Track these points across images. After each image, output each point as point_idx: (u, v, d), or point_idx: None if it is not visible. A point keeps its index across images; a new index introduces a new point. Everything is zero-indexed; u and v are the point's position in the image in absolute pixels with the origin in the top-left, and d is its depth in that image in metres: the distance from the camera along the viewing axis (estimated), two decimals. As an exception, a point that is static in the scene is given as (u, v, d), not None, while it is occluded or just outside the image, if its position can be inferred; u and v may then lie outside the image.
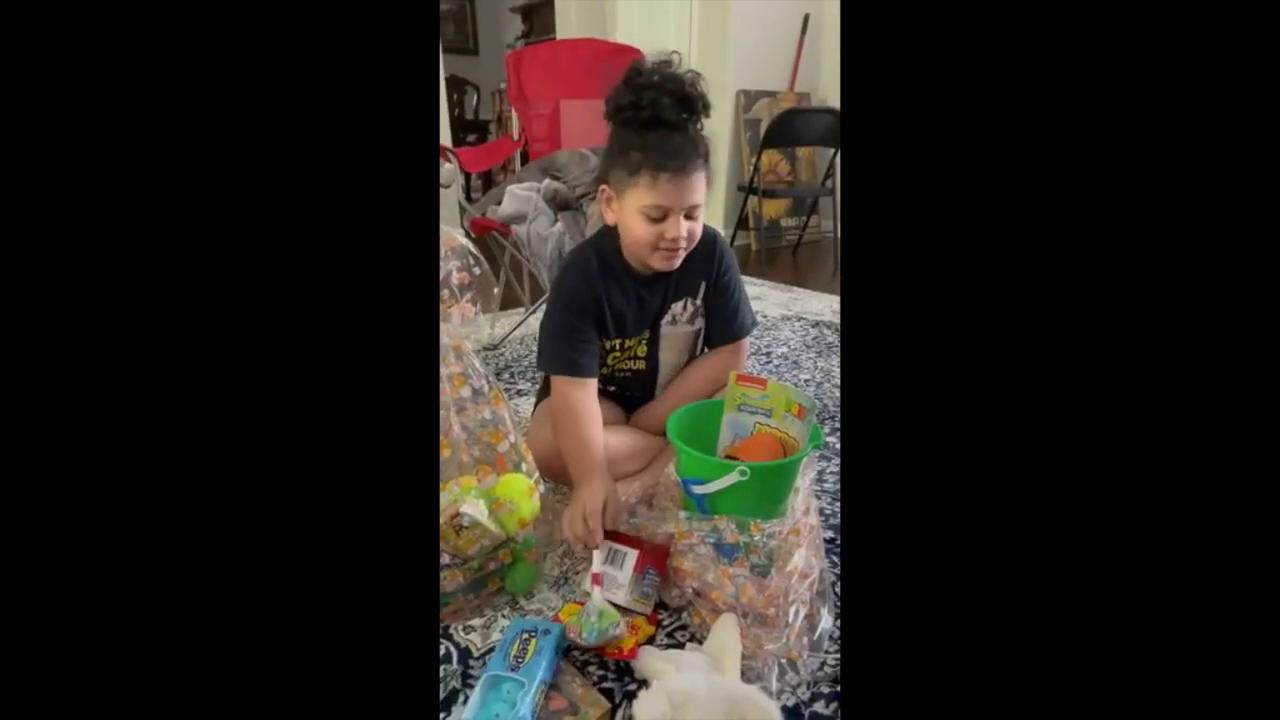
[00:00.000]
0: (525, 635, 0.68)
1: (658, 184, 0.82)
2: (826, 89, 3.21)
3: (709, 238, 0.97)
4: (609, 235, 0.94)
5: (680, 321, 1.00)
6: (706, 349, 1.06)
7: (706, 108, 0.85)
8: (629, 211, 0.87)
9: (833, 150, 2.81)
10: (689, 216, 0.86)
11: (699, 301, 0.99)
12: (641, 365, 1.01)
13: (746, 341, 1.05)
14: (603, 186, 0.90)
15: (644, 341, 1.00)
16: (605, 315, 0.93)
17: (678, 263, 0.90)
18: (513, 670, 0.64)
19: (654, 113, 0.82)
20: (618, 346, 0.99)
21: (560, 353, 0.92)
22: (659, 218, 0.85)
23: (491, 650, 0.71)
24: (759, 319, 1.96)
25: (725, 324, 1.01)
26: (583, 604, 0.74)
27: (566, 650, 0.71)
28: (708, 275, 0.98)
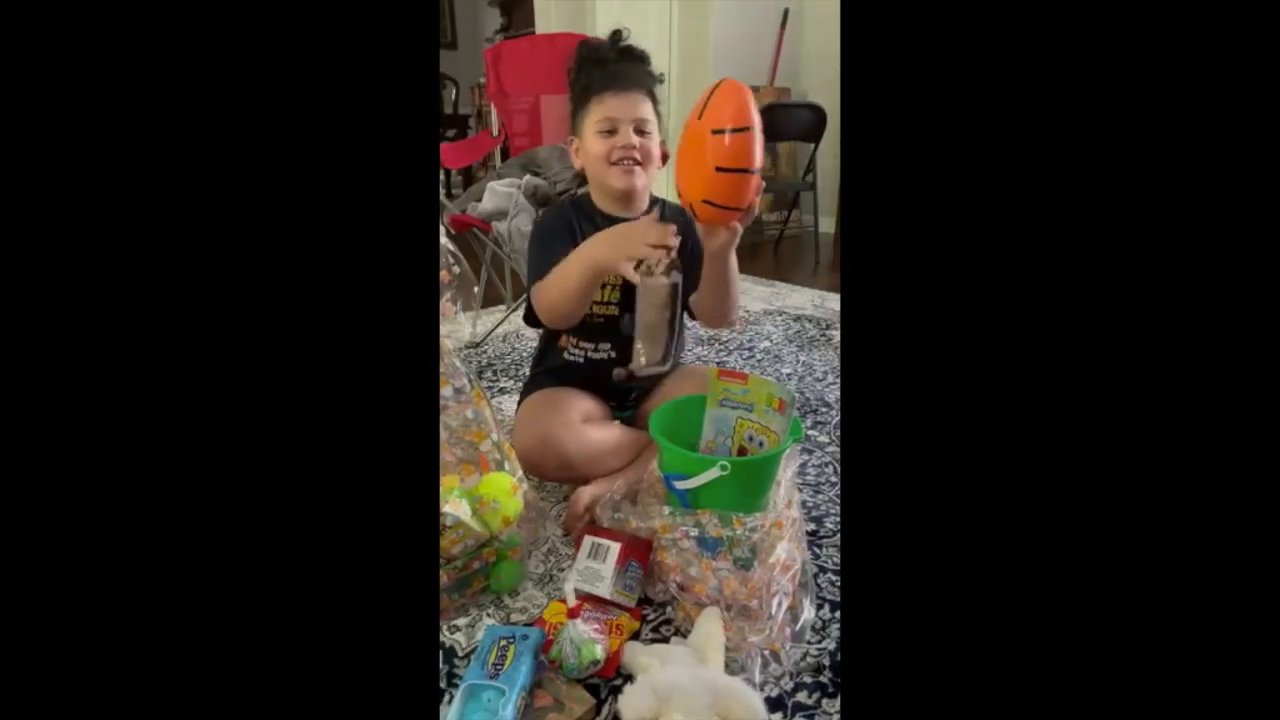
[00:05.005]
0: (503, 642, 0.67)
1: (604, 101, 0.95)
2: (806, 83, 3.23)
3: (687, 214, 1.04)
4: (585, 194, 1.06)
5: (656, 271, 1.01)
6: (688, 311, 1.06)
7: (644, 54, 1.01)
8: (588, 139, 0.98)
9: (813, 145, 2.82)
10: (640, 132, 0.96)
11: (673, 255, 1.02)
12: (614, 310, 1.02)
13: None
14: (571, 138, 1.02)
15: (616, 287, 1.03)
16: (578, 238, 0.98)
17: (637, 181, 0.97)
18: (491, 678, 0.63)
19: (596, 56, 0.98)
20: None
21: (542, 263, 0.97)
22: (611, 130, 0.96)
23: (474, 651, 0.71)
24: (741, 314, 1.98)
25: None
26: (564, 601, 0.75)
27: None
28: (685, 232, 1.01)
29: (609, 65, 0.98)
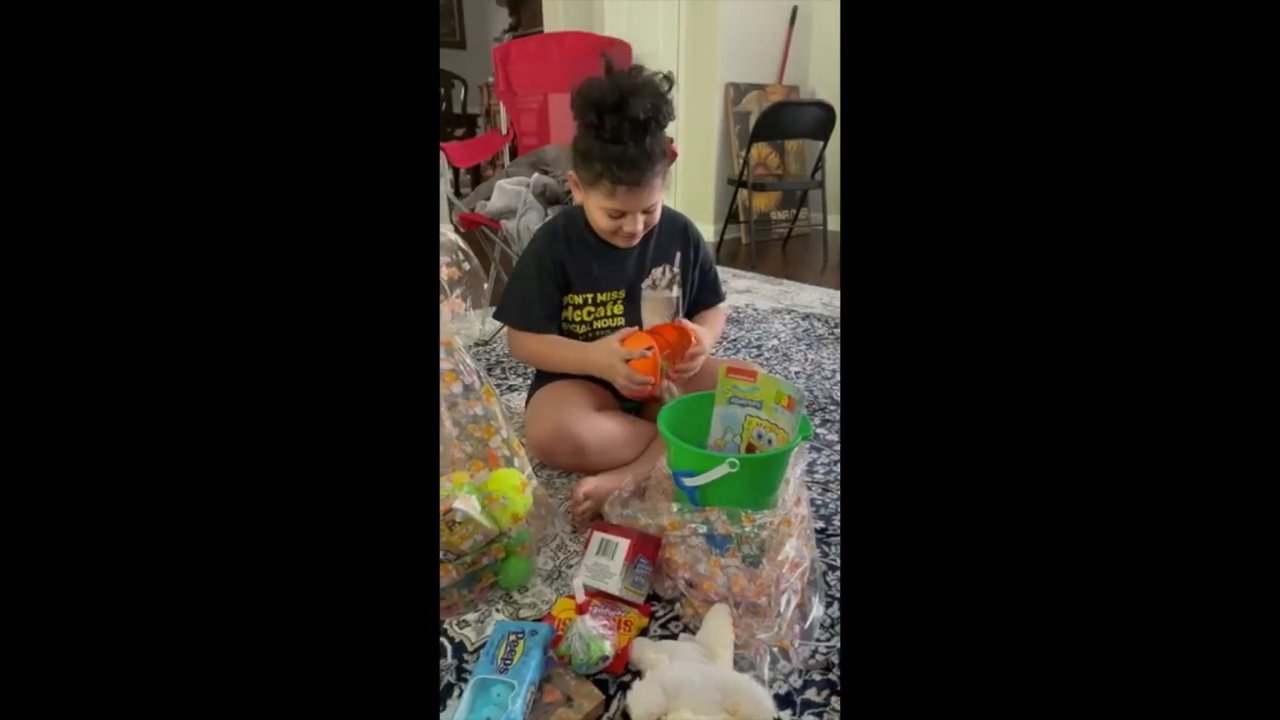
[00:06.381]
0: (512, 637, 0.67)
1: (615, 194, 0.93)
2: (815, 81, 3.21)
3: (680, 222, 1.11)
4: (581, 211, 1.05)
5: (660, 286, 1.09)
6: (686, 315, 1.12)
7: (669, 119, 0.93)
8: (592, 204, 0.99)
9: (821, 143, 2.81)
10: (645, 211, 0.97)
11: (675, 269, 1.09)
12: (621, 322, 1.08)
13: (725, 305, 1.22)
14: (570, 173, 1.00)
15: (620, 301, 1.07)
16: (568, 274, 1.03)
17: (635, 242, 1.02)
18: (501, 673, 0.64)
19: (612, 134, 0.90)
20: (590, 301, 1.05)
21: (517, 306, 1.05)
22: (619, 215, 0.96)
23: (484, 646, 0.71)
24: (750, 312, 1.98)
25: (708, 290, 1.16)
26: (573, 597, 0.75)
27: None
28: (683, 249, 1.10)
29: (624, 145, 0.89)
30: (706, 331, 1.04)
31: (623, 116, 0.88)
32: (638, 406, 1.11)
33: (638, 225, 0.97)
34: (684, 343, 0.98)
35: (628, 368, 0.94)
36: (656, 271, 1.07)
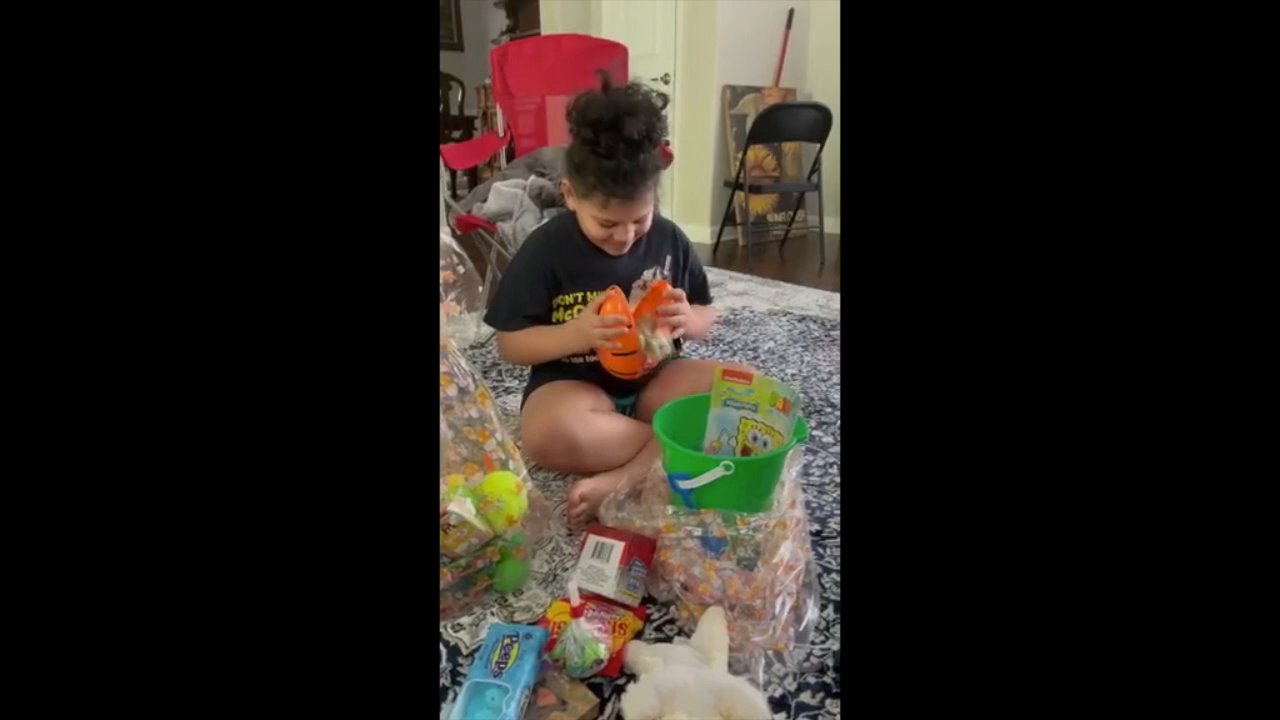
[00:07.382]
0: (506, 640, 0.67)
1: (608, 206, 0.95)
2: (812, 83, 3.22)
3: (669, 227, 1.13)
4: (573, 217, 1.06)
5: (650, 286, 1.10)
6: None
7: (663, 135, 0.95)
8: (585, 213, 1.01)
9: (818, 145, 2.82)
10: (636, 221, 0.99)
11: (667, 272, 1.11)
12: None
13: (718, 305, 1.27)
14: (564, 181, 1.01)
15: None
16: (558, 277, 1.05)
17: (626, 250, 1.04)
18: (495, 676, 0.63)
19: (606, 151, 0.91)
20: (581, 300, 1.06)
21: (506, 310, 1.07)
22: (609, 225, 0.98)
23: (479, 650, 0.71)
24: (746, 314, 1.98)
25: (698, 293, 1.17)
26: (568, 600, 0.75)
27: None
28: (674, 252, 1.12)
29: (617, 161, 0.90)
30: (695, 312, 1.06)
31: (618, 135, 0.90)
32: (633, 403, 1.11)
33: (628, 234, 0.99)
34: (656, 290, 0.99)
35: (598, 315, 0.95)
36: (648, 273, 1.09)
